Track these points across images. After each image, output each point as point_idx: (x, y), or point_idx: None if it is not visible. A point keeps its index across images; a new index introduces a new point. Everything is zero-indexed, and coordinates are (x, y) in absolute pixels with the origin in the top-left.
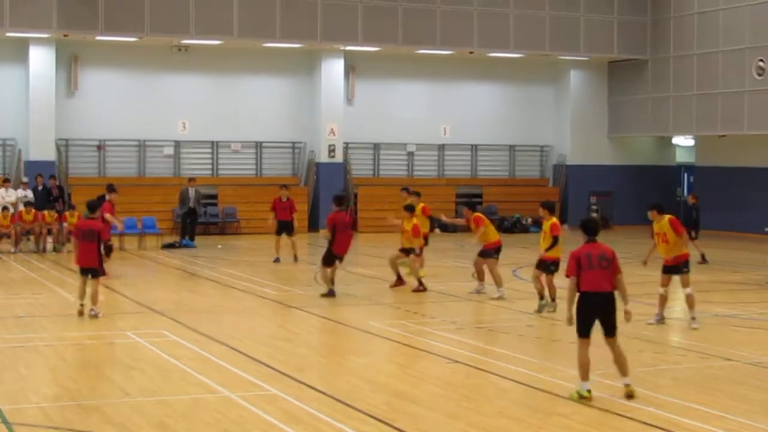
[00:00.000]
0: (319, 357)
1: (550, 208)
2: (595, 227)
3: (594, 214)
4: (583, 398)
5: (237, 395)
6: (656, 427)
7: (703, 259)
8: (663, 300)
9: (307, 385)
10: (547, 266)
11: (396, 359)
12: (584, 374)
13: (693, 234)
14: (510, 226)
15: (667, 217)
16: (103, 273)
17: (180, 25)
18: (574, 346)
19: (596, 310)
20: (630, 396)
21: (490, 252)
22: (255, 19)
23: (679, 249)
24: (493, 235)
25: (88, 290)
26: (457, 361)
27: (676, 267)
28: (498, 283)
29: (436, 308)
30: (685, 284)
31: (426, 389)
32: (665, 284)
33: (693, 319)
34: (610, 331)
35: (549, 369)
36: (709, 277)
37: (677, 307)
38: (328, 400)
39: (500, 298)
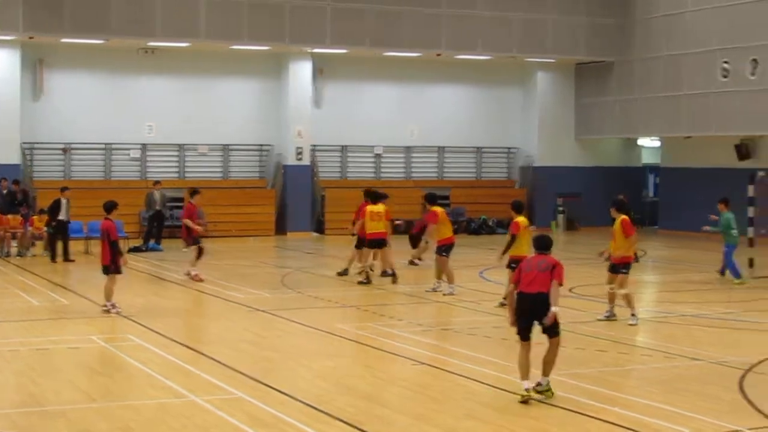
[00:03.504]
0: (285, 360)
1: (515, 207)
2: (546, 244)
3: (561, 215)
4: (524, 398)
5: (203, 399)
6: (623, 427)
7: (636, 258)
8: (611, 297)
9: (274, 389)
10: (510, 265)
11: (363, 362)
12: (523, 374)
13: None
14: (477, 228)
15: (621, 217)
16: (115, 271)
17: (146, 28)
18: (540, 348)
19: (527, 309)
20: (540, 393)
21: (440, 249)
22: (222, 22)
23: (626, 250)
24: (446, 232)
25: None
26: (424, 363)
27: (615, 266)
28: (449, 279)
29: (402, 310)
30: (619, 284)
31: (393, 391)
32: (610, 281)
33: (632, 315)
34: (548, 333)
35: (516, 370)
36: (675, 278)
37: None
38: (295, 403)
39: (450, 294)
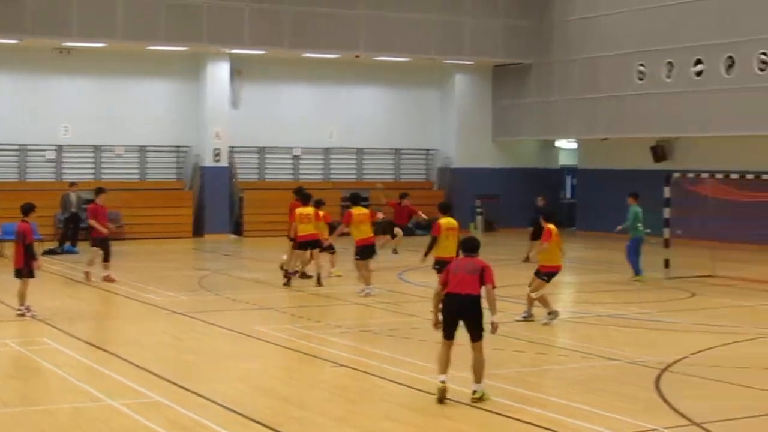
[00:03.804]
0: (203, 363)
1: (440, 208)
2: (474, 246)
3: (479, 217)
4: (440, 390)
5: (120, 403)
6: (541, 427)
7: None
8: (542, 300)
9: (192, 392)
10: (434, 267)
11: (282, 364)
12: (441, 368)
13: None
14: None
15: (548, 225)
16: (29, 275)
17: (62, 27)
18: (460, 349)
19: (454, 310)
20: (478, 400)
21: (356, 250)
22: (139, 22)
23: (550, 259)
24: (360, 233)
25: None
26: (343, 365)
27: (538, 271)
28: (365, 281)
29: (321, 312)
30: (534, 287)
31: (312, 393)
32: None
33: (548, 314)
34: (473, 335)
35: (434, 371)
36: (592, 278)
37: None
38: (213, 406)
39: (367, 295)
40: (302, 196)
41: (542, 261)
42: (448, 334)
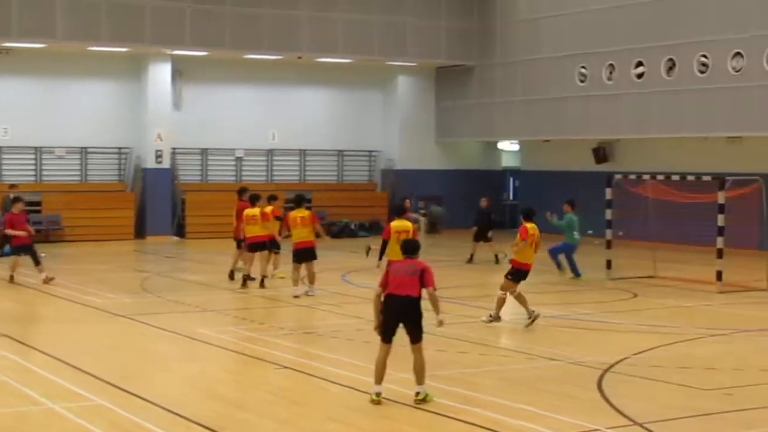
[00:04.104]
0: (146, 366)
1: (394, 210)
2: (413, 248)
3: (422, 218)
4: (374, 402)
5: (62, 407)
6: (484, 427)
7: (496, 260)
8: (520, 299)
9: (135, 395)
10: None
11: (225, 366)
12: (377, 378)
13: (489, 235)
14: (338, 231)
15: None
16: None
17: (1, 28)
18: (403, 350)
19: (395, 312)
20: (421, 402)
21: (293, 253)
22: (80, 22)
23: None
24: (295, 236)
25: None
26: (286, 367)
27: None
28: (294, 283)
29: (265, 314)
30: (501, 286)
31: (256, 396)
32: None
33: (489, 315)
34: (412, 337)
35: (372, 372)
36: (535, 279)
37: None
38: (156, 409)
39: (296, 297)
40: (250, 197)
41: (515, 257)
42: (387, 338)
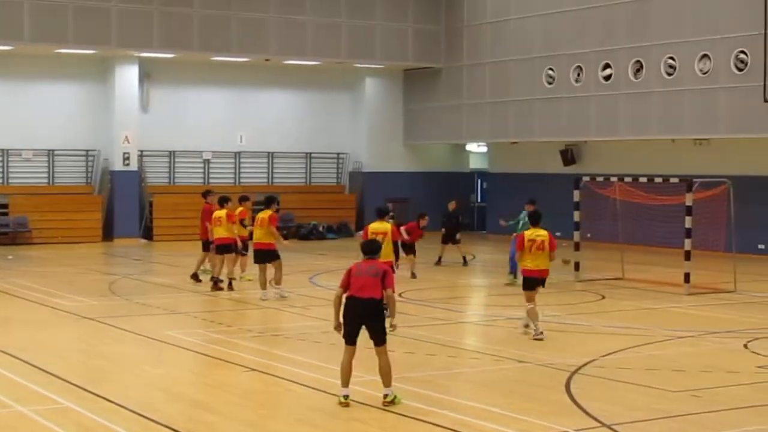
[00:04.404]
0: (114, 368)
1: (376, 212)
2: (374, 249)
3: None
4: (342, 404)
5: (29, 409)
6: (452, 429)
7: (464, 262)
8: (531, 313)
9: (103, 397)
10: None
11: (193, 368)
12: (343, 381)
13: (457, 237)
14: (307, 233)
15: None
16: None
17: None
18: (370, 352)
19: (357, 314)
20: (389, 404)
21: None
22: (46, 24)
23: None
24: (254, 237)
25: None
26: (254, 369)
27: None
28: (261, 286)
29: (233, 316)
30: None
31: (223, 398)
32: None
33: (531, 328)
34: (376, 340)
35: (339, 374)
36: (503, 281)
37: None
38: (124, 411)
39: (263, 300)
40: (219, 199)
41: (520, 264)
42: (351, 340)
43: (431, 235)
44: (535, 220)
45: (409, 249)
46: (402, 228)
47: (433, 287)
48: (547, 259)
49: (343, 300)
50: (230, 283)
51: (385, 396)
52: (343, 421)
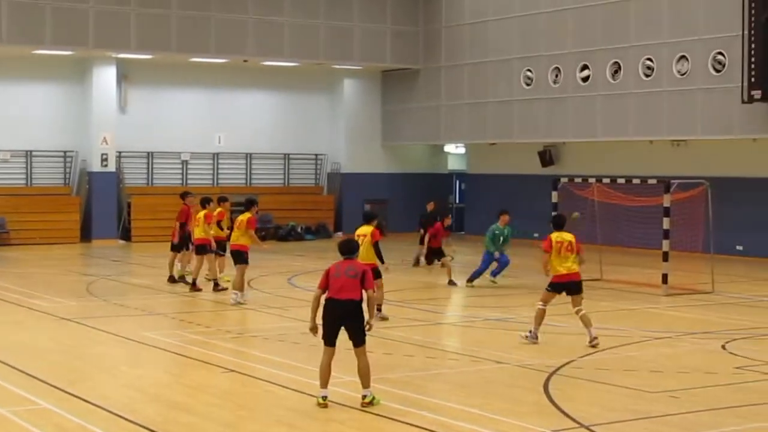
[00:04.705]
0: (92, 369)
1: (365, 217)
2: (352, 249)
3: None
4: (320, 405)
5: (7, 410)
6: (430, 430)
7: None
8: (538, 315)
9: (81, 398)
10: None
11: (171, 369)
12: (322, 382)
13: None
14: (285, 234)
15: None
16: None
17: None
18: (349, 353)
19: (337, 316)
20: (366, 405)
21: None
22: (23, 25)
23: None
24: (233, 239)
25: None
26: (232, 370)
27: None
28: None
29: (211, 317)
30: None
31: (202, 399)
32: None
33: (592, 338)
34: (355, 341)
35: (317, 375)
36: (480, 282)
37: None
38: (102, 412)
39: (238, 303)
40: (202, 200)
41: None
42: (331, 341)
43: (409, 236)
44: (559, 224)
45: (438, 253)
46: (427, 234)
47: (411, 288)
48: (576, 261)
49: (322, 301)
50: (215, 284)
51: (364, 397)
52: (322, 422)
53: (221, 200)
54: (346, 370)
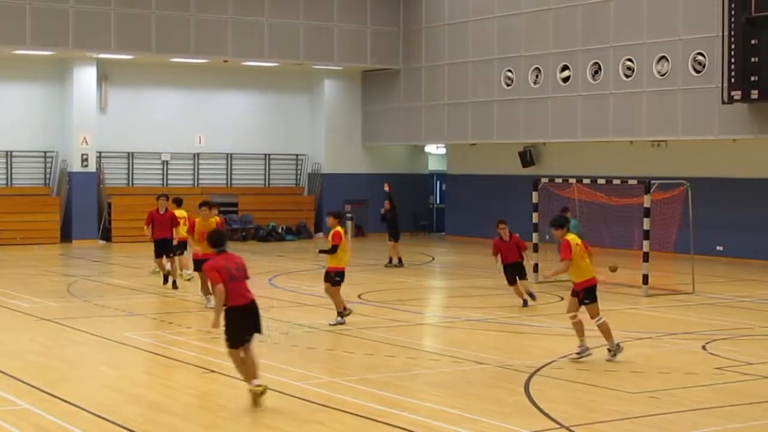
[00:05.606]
0: (72, 370)
1: (334, 215)
2: (219, 239)
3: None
4: (261, 390)
5: None
6: (410, 431)
7: (400, 263)
8: (579, 327)
9: (61, 399)
10: (332, 277)
11: (151, 370)
12: (246, 377)
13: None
14: (266, 235)
15: (569, 235)
16: None
17: None
18: (332, 354)
19: (251, 323)
20: (259, 395)
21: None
22: (3, 26)
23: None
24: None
25: None
26: (213, 371)
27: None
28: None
29: (191, 318)
30: (591, 314)
31: (182, 400)
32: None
33: (608, 350)
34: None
35: (305, 376)
36: (461, 283)
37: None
38: (82, 413)
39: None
40: (175, 200)
41: (573, 278)
42: (237, 343)
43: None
44: (560, 225)
45: (516, 270)
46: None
47: (392, 288)
48: (592, 265)
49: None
50: (174, 282)
51: (257, 386)
52: (304, 422)
53: (175, 201)
54: (330, 372)
